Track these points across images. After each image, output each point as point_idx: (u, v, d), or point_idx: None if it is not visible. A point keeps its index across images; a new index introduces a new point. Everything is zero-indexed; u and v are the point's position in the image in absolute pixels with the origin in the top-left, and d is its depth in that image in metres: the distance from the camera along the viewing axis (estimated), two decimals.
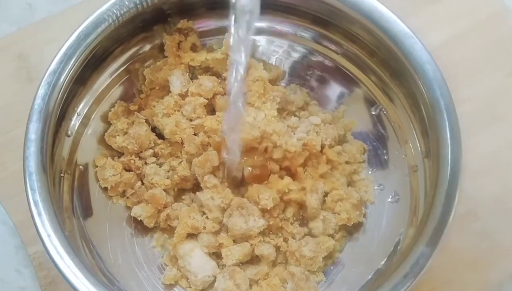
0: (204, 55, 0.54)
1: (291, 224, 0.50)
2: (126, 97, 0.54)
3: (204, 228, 0.49)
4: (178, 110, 0.52)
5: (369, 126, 0.54)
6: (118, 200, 0.52)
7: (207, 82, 0.52)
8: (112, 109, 0.52)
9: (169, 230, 0.51)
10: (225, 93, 0.52)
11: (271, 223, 0.49)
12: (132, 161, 0.51)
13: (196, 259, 0.48)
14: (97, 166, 0.51)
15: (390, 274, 0.40)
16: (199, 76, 0.53)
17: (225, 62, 0.53)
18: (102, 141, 0.52)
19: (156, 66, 0.54)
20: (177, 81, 0.52)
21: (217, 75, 0.54)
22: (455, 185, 0.41)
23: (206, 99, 0.52)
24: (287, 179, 0.50)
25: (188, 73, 0.54)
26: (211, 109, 0.53)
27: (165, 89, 0.53)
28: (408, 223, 0.48)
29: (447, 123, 0.43)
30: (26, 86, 0.57)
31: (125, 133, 0.52)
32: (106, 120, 0.53)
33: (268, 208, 0.48)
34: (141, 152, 0.52)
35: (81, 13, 0.47)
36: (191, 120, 0.51)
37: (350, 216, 0.50)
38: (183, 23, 0.53)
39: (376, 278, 0.46)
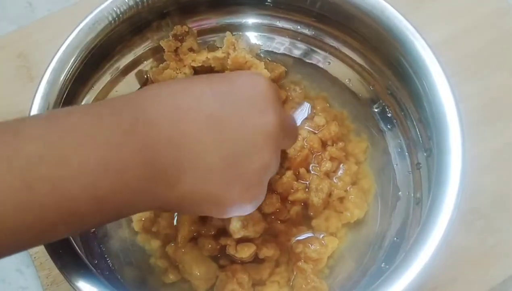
0: (205, 54, 0.53)
1: (294, 224, 0.50)
2: None
3: (205, 231, 0.49)
4: None
5: (371, 124, 0.54)
6: None
7: None
8: None
9: (169, 233, 0.51)
10: None
11: (274, 224, 0.49)
12: None
13: (197, 262, 0.48)
14: None
15: (392, 272, 0.40)
16: None
17: (226, 61, 0.52)
18: None
19: (158, 70, 0.53)
20: None
21: None
22: (458, 182, 0.41)
23: None
24: (290, 175, 0.49)
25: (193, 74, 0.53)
26: None
27: None
28: (411, 221, 0.47)
29: (450, 121, 0.43)
30: (26, 85, 0.57)
31: None
32: None
33: (267, 213, 0.48)
34: None
35: (81, 12, 0.47)
36: None
37: (353, 214, 0.50)
38: (177, 29, 0.53)
39: (379, 276, 0.46)
